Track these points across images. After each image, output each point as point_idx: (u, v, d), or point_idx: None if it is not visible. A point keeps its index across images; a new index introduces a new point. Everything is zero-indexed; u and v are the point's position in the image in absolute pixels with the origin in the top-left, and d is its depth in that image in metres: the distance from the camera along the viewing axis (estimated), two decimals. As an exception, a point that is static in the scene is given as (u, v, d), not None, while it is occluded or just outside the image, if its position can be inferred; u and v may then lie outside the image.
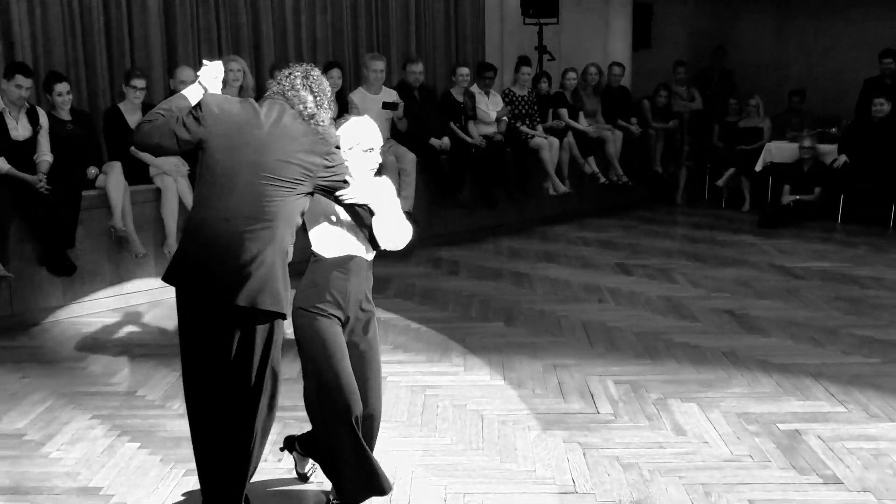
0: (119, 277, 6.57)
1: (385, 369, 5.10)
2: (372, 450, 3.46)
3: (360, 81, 8.63)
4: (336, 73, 7.91)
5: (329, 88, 3.37)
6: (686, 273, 7.45)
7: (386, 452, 3.98)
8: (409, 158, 8.08)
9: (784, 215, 9.63)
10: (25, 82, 6.09)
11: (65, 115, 6.44)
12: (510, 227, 9.20)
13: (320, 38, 9.34)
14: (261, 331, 3.22)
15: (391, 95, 8.30)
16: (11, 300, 6.03)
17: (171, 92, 6.99)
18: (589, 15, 11.57)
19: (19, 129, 6.17)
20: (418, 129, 8.34)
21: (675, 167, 11.08)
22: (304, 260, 3.41)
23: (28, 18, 7.15)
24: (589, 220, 9.83)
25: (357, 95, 8.20)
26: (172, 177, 6.64)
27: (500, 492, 3.67)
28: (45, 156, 6.22)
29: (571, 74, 10.21)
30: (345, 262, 3.34)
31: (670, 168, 11.04)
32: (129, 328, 6.10)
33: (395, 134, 8.28)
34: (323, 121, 3.24)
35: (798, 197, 9.68)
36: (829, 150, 9.76)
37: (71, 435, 4.27)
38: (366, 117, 3.64)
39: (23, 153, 6.13)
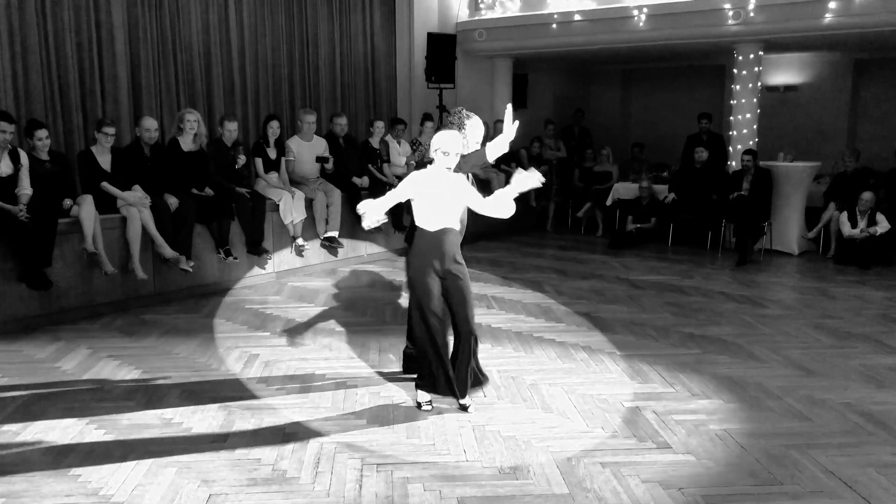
0: (90, 291, 6.27)
1: (313, 364, 5.06)
2: (470, 360, 4.18)
3: (295, 130, 8.51)
4: (275, 123, 7.76)
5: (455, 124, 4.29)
6: (553, 284, 7.57)
7: (316, 430, 3.91)
8: (336, 194, 7.98)
9: (628, 239, 9.90)
10: (8, 128, 5.77)
11: (44, 156, 6.11)
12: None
13: (262, 94, 9.17)
14: None
15: (321, 143, 8.20)
16: (-6, 311, 5.69)
17: (137, 138, 6.76)
18: (478, 81, 11.73)
19: (2, 167, 5.82)
20: (343, 170, 8.27)
21: (546, 202, 11.27)
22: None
23: (11, 71, 6.79)
24: (480, 243, 9.89)
25: (293, 142, 8.07)
26: (137, 208, 6.39)
27: (407, 462, 3.63)
28: (25, 189, 5.89)
29: (465, 128, 10.29)
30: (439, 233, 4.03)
31: (542, 203, 11.23)
32: (98, 334, 5.81)
33: (325, 175, 8.19)
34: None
35: (639, 225, 9.98)
36: (661, 189, 10.11)
37: (45, 424, 4.03)
38: (451, 131, 4.06)
39: (5, 188, 5.80)
